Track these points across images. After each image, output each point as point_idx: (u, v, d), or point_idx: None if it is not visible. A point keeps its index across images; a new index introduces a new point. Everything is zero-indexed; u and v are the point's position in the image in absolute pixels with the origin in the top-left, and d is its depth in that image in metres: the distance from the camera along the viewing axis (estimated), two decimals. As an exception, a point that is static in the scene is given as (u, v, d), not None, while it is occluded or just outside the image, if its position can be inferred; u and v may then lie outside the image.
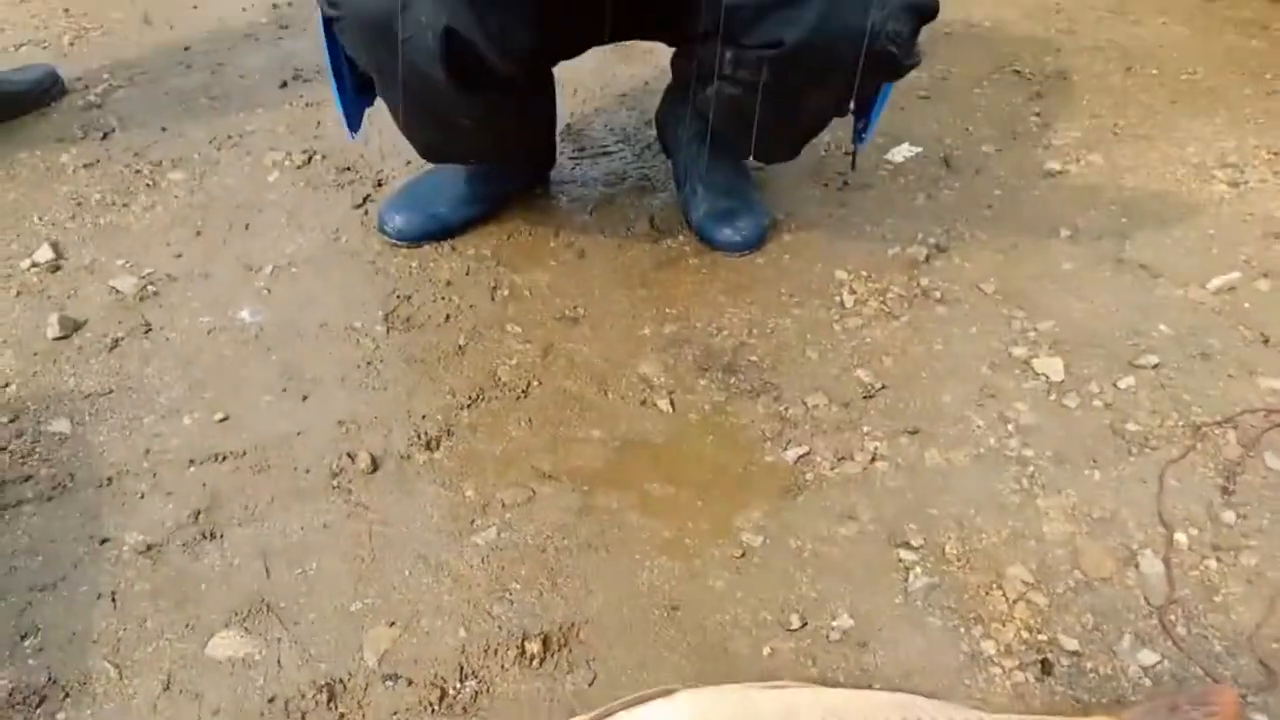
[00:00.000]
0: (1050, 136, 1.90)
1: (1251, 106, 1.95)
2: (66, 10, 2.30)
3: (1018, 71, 2.15)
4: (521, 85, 1.24)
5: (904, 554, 1.10)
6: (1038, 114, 1.98)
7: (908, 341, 1.41)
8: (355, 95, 1.28)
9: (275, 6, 2.35)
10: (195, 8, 2.33)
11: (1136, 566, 1.08)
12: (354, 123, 1.33)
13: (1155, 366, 1.34)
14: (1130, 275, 1.52)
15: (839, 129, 1.53)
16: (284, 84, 2.04)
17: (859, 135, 1.45)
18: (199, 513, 1.14)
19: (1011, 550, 1.11)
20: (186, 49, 2.15)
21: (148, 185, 1.69)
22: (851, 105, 1.29)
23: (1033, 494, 1.17)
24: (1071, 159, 1.82)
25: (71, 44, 2.14)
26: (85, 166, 1.73)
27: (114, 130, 1.83)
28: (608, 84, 2.06)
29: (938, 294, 1.49)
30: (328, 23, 1.14)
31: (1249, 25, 2.32)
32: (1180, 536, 1.11)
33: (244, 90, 2.01)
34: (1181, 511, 1.14)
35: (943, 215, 1.67)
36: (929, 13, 1.14)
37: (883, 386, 1.32)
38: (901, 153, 1.86)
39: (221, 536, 1.12)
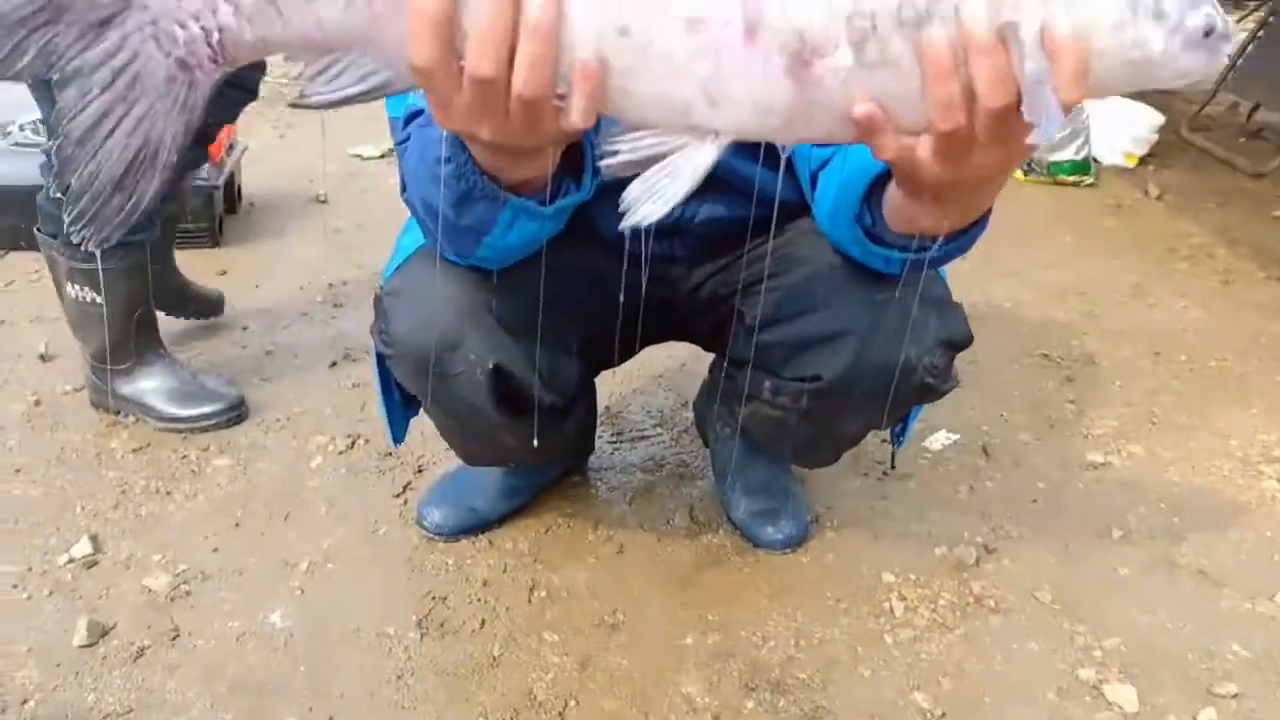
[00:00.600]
0: (1087, 425, 1.91)
1: (1286, 396, 1.97)
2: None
3: (1046, 355, 2.19)
4: (565, 406, 1.27)
5: None
6: (1071, 400, 2.00)
7: (965, 658, 1.34)
8: (402, 410, 1.32)
9: (330, 286, 2.48)
10: (257, 287, 2.46)
11: None
12: (398, 434, 1.36)
13: (1235, 696, 1.25)
14: (1191, 583, 1.46)
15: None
16: (334, 364, 2.11)
17: (897, 438, 1.46)
18: None
19: None
20: (244, 328, 2.25)
21: (192, 472, 1.71)
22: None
23: None
24: (1112, 450, 1.81)
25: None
26: (134, 451, 1.76)
27: (166, 413, 1.88)
28: (645, 365, 2.12)
29: (991, 602, 1.43)
30: (380, 355, 1.19)
31: (1268, 309, 2.39)
32: None
33: (295, 370, 2.08)
34: None
35: (988, 511, 1.64)
36: (964, 343, 1.18)
37: (943, 715, 1.24)
38: (940, 440, 1.86)
39: None
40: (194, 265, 2.52)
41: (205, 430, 1.82)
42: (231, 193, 2.86)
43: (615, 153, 0.75)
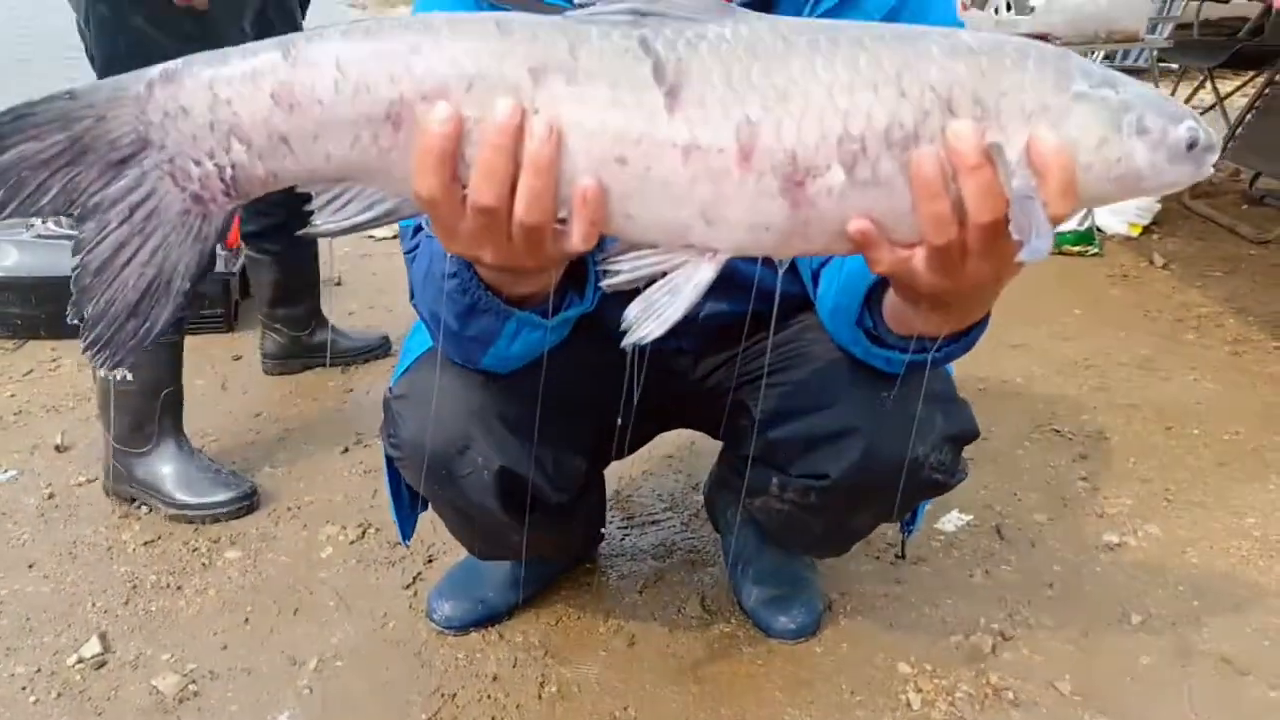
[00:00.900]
0: (1102, 503, 1.89)
1: (1303, 472, 1.95)
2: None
3: (1057, 431, 2.18)
4: (573, 502, 1.27)
5: None
6: (1084, 478, 1.98)
7: (985, 755, 1.31)
8: (411, 507, 1.32)
9: (343, 371, 2.51)
10: (266, 373, 2.49)
11: None
12: (407, 532, 1.36)
13: (1265, 793, 1.22)
14: (1215, 672, 1.43)
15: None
16: (346, 449, 2.12)
17: (906, 526, 1.45)
18: None
19: None
20: (257, 415, 2.28)
21: (203, 565, 1.71)
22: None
23: None
24: (1128, 530, 1.79)
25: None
26: (146, 544, 1.76)
27: (178, 505, 1.89)
28: (654, 446, 2.10)
29: (1010, 694, 1.41)
30: (390, 464, 1.20)
31: (1279, 381, 2.37)
32: None
33: (307, 456, 2.09)
34: None
35: (1003, 596, 1.62)
36: (970, 438, 1.18)
37: (964, 817, 1.21)
38: (952, 521, 1.85)
39: None
40: (209, 350, 2.57)
41: (215, 520, 1.83)
42: (246, 278, 2.91)
43: (617, 272, 0.77)
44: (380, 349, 2.58)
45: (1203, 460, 2.03)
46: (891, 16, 1.03)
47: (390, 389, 1.21)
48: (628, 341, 0.78)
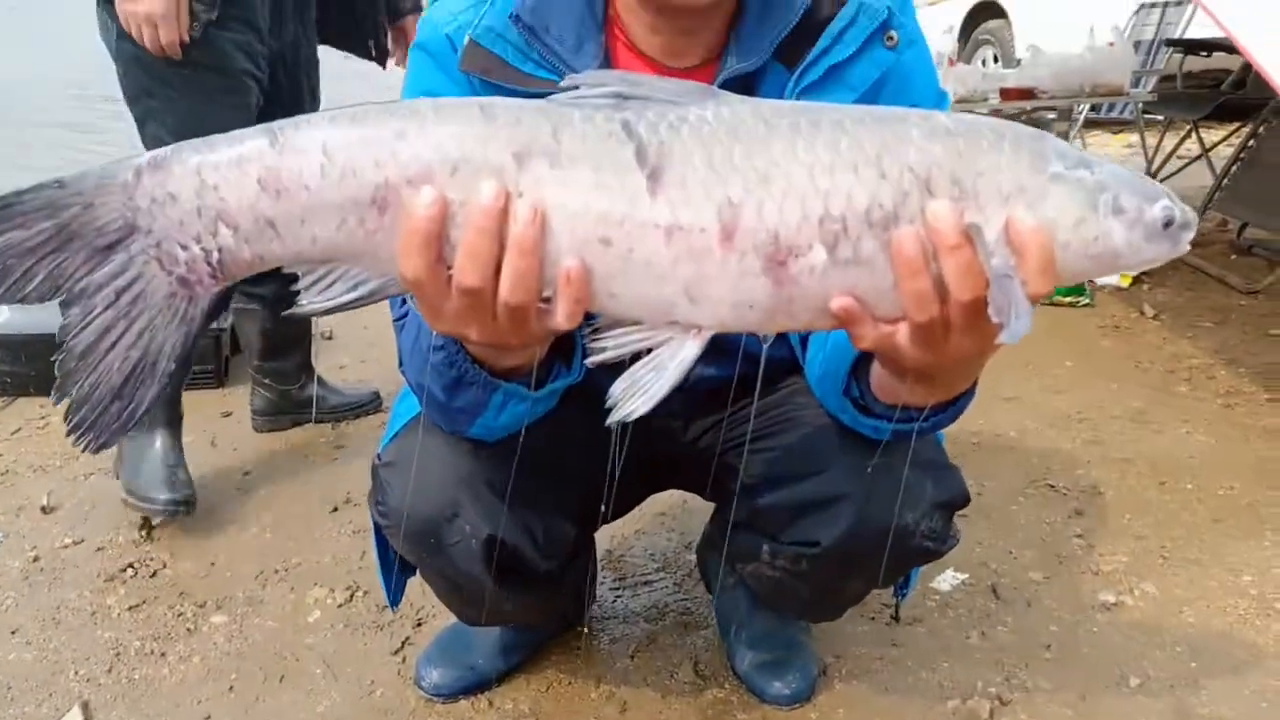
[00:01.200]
0: (1097, 561, 1.87)
1: (1297, 527, 1.94)
2: (140, 433, 2.47)
3: (1051, 486, 2.18)
4: (563, 569, 1.26)
5: None
6: (1079, 535, 1.97)
7: (983, 827, 1.28)
8: (399, 573, 1.31)
9: (334, 426, 2.50)
10: (256, 430, 2.48)
11: None
12: (395, 598, 1.35)
13: None
14: (1215, 738, 1.41)
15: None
16: (335, 509, 2.11)
17: (900, 590, 1.43)
18: None
19: None
20: (246, 474, 2.26)
21: (188, 630, 1.69)
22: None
23: None
24: (1124, 589, 1.78)
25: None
26: (130, 609, 1.74)
27: (163, 567, 1.87)
28: (646, 504, 2.09)
29: (1008, 761, 1.38)
30: (378, 530, 1.19)
31: (1272, 433, 2.37)
32: None
33: (295, 517, 2.07)
34: None
35: (1000, 658, 1.60)
36: (961, 504, 1.17)
37: None
38: (948, 580, 1.83)
39: None
40: (199, 406, 2.55)
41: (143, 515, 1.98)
42: (236, 334, 2.91)
43: (602, 349, 0.78)
44: (371, 405, 2.57)
45: (1197, 516, 2.02)
46: (875, 89, 1.05)
47: (379, 455, 1.20)
48: (613, 419, 0.78)
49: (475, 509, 1.11)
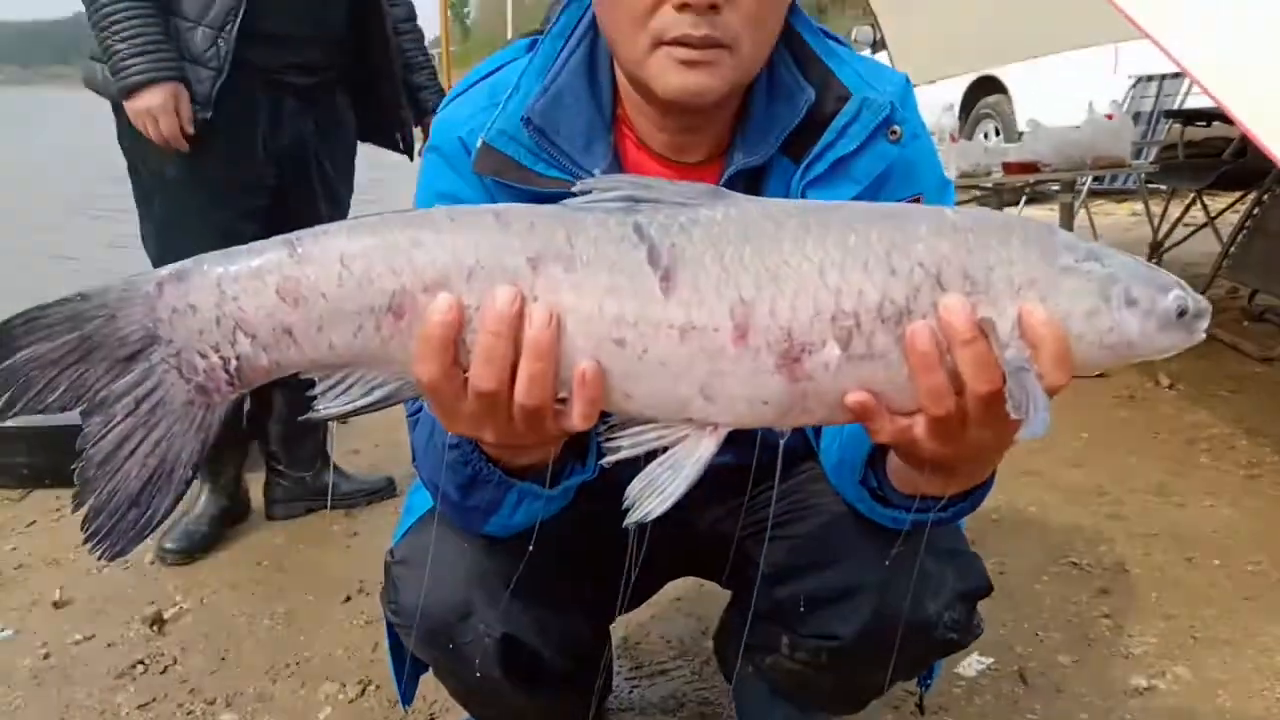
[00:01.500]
0: (1127, 643, 1.83)
1: (1331, 605, 1.89)
2: (154, 523, 2.46)
3: (1075, 563, 2.14)
4: (578, 666, 1.24)
5: None
6: (1107, 615, 1.92)
7: None
8: (412, 669, 1.29)
9: (346, 514, 2.49)
10: (270, 518, 2.46)
11: None
12: (408, 696, 1.32)
13: None
14: (1261, 833, 1.35)
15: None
16: (348, 598, 2.08)
17: (923, 681, 1.39)
18: None
19: None
20: (259, 564, 2.24)
21: (198, 730, 1.66)
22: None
23: None
24: (1156, 672, 1.73)
25: (151, 563, 2.24)
26: (139, 707, 1.71)
27: (174, 663, 1.84)
28: (663, 589, 2.07)
29: None
30: (390, 626, 1.18)
31: (1298, 506, 2.34)
32: None
33: (308, 607, 2.05)
34: None
35: (1031, 749, 1.55)
36: (984, 594, 1.15)
37: None
38: (973, 665, 1.78)
39: None
40: (214, 497, 2.54)
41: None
42: (252, 420, 2.92)
43: (618, 448, 0.77)
44: (385, 490, 2.56)
45: (1226, 594, 1.97)
46: (880, 181, 1.06)
47: (391, 551, 1.19)
48: (631, 520, 0.77)
49: (489, 608, 1.10)
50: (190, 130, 2.02)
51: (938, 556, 1.09)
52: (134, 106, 1.98)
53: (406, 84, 2.43)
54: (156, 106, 1.97)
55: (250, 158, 2.13)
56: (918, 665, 1.19)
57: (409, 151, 2.44)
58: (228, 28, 2.01)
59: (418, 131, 2.48)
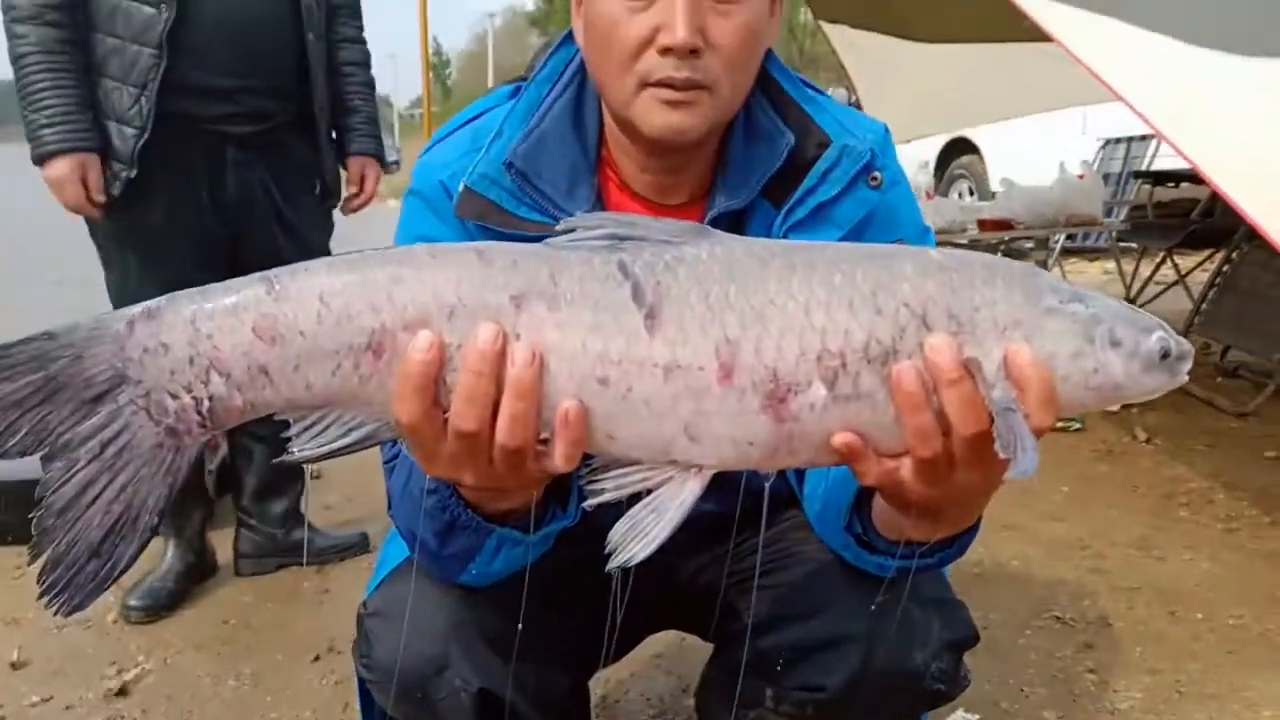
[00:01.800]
0: (1112, 698, 1.80)
1: (1315, 658, 1.88)
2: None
3: (1058, 617, 2.11)
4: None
5: None
6: (1092, 670, 1.90)
7: None
8: (382, 721, 1.24)
9: (318, 571, 2.43)
10: (238, 573, 2.40)
11: None
12: (382, 756, 1.27)
13: None
14: None
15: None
16: (317, 657, 2.02)
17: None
18: None
19: None
20: (225, 622, 2.18)
21: (158, 796, 1.58)
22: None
23: None
24: (1143, 728, 1.70)
25: (114, 621, 2.17)
26: (97, 774, 1.64)
27: (136, 726, 1.77)
28: (642, 644, 2.02)
29: None
30: (362, 682, 1.14)
31: (1277, 559, 2.33)
32: None
33: (275, 668, 1.98)
34: None
35: (1021, 810, 1.51)
36: (971, 643, 1.13)
37: None
38: (958, 723, 1.75)
39: None
40: (181, 552, 2.48)
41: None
42: (222, 476, 2.86)
43: (601, 490, 0.76)
44: (359, 546, 2.51)
45: (1210, 648, 1.95)
46: (861, 226, 1.07)
47: (364, 604, 1.15)
48: (613, 565, 0.75)
49: (466, 661, 1.06)
50: (99, 199, 2.02)
51: (923, 605, 1.07)
52: (45, 175, 2.01)
53: (337, 126, 2.36)
54: (64, 176, 1.98)
55: (191, 210, 2.12)
56: (904, 718, 1.16)
57: (324, 198, 2.35)
58: (149, 86, 2.00)
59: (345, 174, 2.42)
